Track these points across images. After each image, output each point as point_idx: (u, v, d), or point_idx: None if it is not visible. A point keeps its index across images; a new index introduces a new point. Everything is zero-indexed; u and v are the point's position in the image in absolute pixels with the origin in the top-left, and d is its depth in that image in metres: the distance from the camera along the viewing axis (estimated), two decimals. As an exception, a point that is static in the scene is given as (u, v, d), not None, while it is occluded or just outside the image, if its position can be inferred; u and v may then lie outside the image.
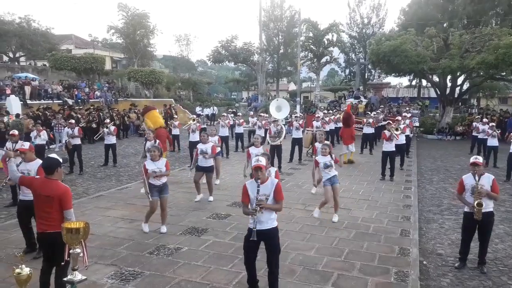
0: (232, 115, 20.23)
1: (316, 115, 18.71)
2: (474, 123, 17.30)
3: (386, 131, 12.13)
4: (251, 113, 22.74)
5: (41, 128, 13.21)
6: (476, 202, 5.72)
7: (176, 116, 21.31)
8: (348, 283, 5.40)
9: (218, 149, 10.53)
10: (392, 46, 22.32)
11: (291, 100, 34.82)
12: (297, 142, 14.65)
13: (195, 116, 15.29)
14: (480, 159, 5.91)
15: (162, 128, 11.40)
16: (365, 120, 17.16)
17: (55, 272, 4.57)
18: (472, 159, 5.94)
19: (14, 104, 19.21)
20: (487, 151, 14.89)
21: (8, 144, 9.44)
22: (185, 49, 49.01)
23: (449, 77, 25.56)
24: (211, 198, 9.41)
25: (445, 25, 29.11)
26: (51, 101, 23.79)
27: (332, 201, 8.13)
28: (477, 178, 5.80)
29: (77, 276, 3.66)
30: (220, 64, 44.30)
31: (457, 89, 26.41)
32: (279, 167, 12.88)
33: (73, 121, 13.61)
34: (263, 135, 14.96)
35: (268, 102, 21.19)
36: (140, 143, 11.64)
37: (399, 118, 14.90)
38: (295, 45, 38.09)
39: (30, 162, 6.19)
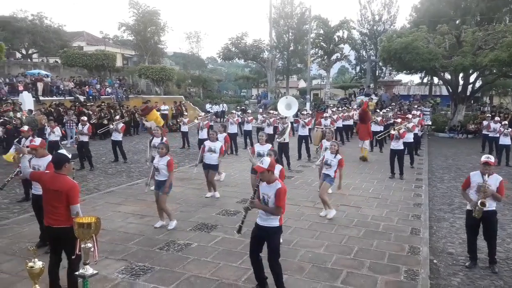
0: (240, 112, 20.25)
1: (325, 114, 18.64)
2: (484, 122, 17.10)
3: (392, 131, 12.08)
4: (261, 110, 22.76)
5: (54, 124, 13.36)
6: (480, 202, 5.70)
7: (186, 113, 21.36)
8: (357, 281, 5.39)
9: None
10: (403, 43, 22.10)
11: (300, 98, 34.75)
12: (303, 139, 14.62)
13: (201, 115, 15.32)
14: (492, 159, 5.85)
15: (162, 128, 11.44)
16: (373, 118, 17.07)
17: (67, 266, 4.63)
18: (483, 158, 5.88)
19: (27, 101, 19.46)
20: (499, 150, 14.73)
21: (23, 140, 9.60)
22: (195, 46, 49.23)
23: (461, 74, 25.24)
24: (217, 195, 9.44)
25: (457, 22, 28.75)
26: (63, 98, 24.03)
27: (328, 196, 8.26)
28: (485, 177, 5.75)
29: (89, 270, 3.71)
30: (230, 61, 44.36)
31: (469, 86, 26.07)
32: (288, 165, 12.87)
33: (85, 118, 13.73)
34: (272, 133, 14.96)
35: (278, 100, 21.14)
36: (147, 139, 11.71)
37: (410, 116, 14.79)
38: (305, 42, 37.93)
39: (42, 158, 6.26)
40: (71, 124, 18.08)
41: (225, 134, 11.35)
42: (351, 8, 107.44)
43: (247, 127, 17.40)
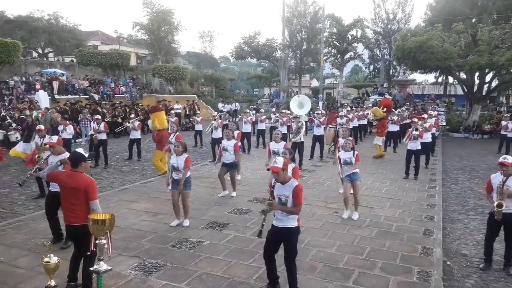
0: (254, 111, 20.26)
1: (340, 113, 18.55)
2: (503, 122, 16.82)
3: (414, 132, 11.86)
4: (273, 109, 22.74)
5: (67, 122, 13.56)
6: (496, 203, 5.62)
7: (199, 112, 21.48)
8: (369, 281, 5.36)
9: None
10: (418, 42, 21.85)
11: (313, 97, 34.61)
12: (318, 139, 14.57)
13: (217, 115, 15.35)
14: (509, 159, 5.76)
15: (165, 130, 11.49)
16: (389, 117, 16.94)
17: (83, 262, 4.71)
18: (500, 159, 5.81)
19: (43, 99, 19.80)
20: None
21: (37, 139, 9.73)
22: (208, 46, 49.40)
23: (477, 74, 24.84)
24: (233, 194, 9.48)
25: (473, 20, 28.29)
26: (78, 96, 24.37)
27: (351, 198, 8.09)
28: (502, 178, 5.67)
29: (103, 266, 3.77)
30: (242, 61, 44.37)
31: (485, 86, 25.64)
32: (300, 164, 12.84)
33: (99, 116, 13.91)
34: (285, 132, 14.94)
35: (290, 99, 21.11)
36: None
37: (425, 116, 14.63)
38: (318, 41, 37.77)
39: (59, 155, 6.37)
40: (86, 122, 18.32)
41: (238, 132, 11.41)
42: (365, 7, 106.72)
43: (261, 126, 17.41)
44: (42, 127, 10.31)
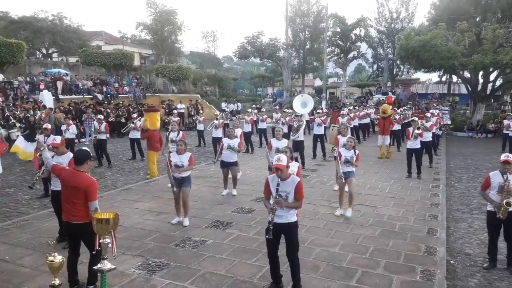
0: (256, 111, 20.26)
1: (342, 112, 18.53)
2: (505, 121, 16.75)
3: (410, 129, 11.89)
4: (276, 108, 22.73)
5: (70, 122, 13.61)
6: (505, 201, 5.58)
7: (201, 112, 21.50)
8: (372, 281, 5.36)
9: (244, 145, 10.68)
10: (421, 41, 21.79)
11: (316, 96, 34.58)
12: (318, 138, 14.56)
13: (219, 114, 15.42)
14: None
15: (155, 131, 11.45)
16: (395, 116, 16.93)
17: (89, 260, 4.73)
18: (503, 157, 5.78)
19: (47, 99, 19.88)
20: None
21: (40, 137, 9.78)
22: (211, 45, 49.50)
23: (481, 73, 24.75)
24: (234, 192, 9.49)
25: (477, 19, 28.16)
26: (82, 96, 24.45)
27: (346, 196, 8.16)
28: (506, 176, 5.65)
29: (107, 265, 3.79)
30: (246, 60, 44.37)
31: (489, 85, 25.54)
32: (302, 164, 12.84)
33: (101, 116, 13.95)
34: (287, 131, 14.94)
35: (293, 98, 21.10)
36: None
37: (428, 114, 14.59)
38: (321, 40, 37.72)
39: (62, 155, 6.40)
40: (90, 122, 18.39)
41: (240, 130, 11.43)
42: (368, 6, 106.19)
43: (262, 125, 17.41)
44: (49, 126, 10.36)
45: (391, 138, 17.08)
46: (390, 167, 13.32)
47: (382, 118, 15.55)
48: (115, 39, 48.02)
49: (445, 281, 5.43)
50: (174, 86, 33.27)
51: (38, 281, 5.19)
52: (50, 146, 6.63)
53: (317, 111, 16.12)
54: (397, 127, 16.64)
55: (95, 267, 3.94)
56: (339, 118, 17.07)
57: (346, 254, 6.19)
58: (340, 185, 8.32)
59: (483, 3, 29.46)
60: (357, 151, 8.08)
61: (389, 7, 38.27)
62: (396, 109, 19.15)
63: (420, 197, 9.69)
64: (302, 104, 15.09)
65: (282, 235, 4.92)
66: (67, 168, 5.26)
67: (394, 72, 39.07)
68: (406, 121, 17.58)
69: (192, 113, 26.19)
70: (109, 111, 20.50)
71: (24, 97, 20.93)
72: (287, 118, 16.22)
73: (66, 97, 23.52)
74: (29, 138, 11.60)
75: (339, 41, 35.11)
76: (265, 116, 17.53)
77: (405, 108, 21.48)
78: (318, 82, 55.97)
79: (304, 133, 13.46)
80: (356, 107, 21.33)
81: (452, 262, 6.16)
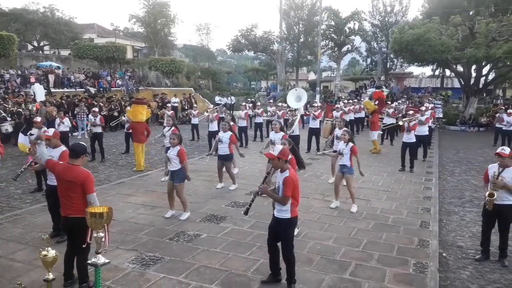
0: (251, 104, 20.22)
1: (336, 106, 18.56)
2: (498, 114, 16.87)
3: (400, 122, 11.99)
4: (270, 102, 22.71)
5: (63, 115, 13.49)
6: (488, 193, 5.69)
7: (195, 105, 21.42)
8: (366, 273, 5.40)
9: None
10: (415, 35, 21.82)
11: (310, 90, 34.57)
12: (313, 132, 14.58)
13: (211, 108, 15.43)
14: (506, 150, 5.79)
15: (138, 123, 11.52)
16: (385, 110, 16.97)
17: (76, 255, 4.71)
18: (498, 150, 5.85)
19: (38, 92, 19.66)
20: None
21: (34, 131, 9.68)
22: (205, 38, 49.26)
23: (474, 67, 24.88)
24: (232, 187, 9.48)
25: (471, 13, 28.24)
26: (74, 90, 24.23)
27: (339, 189, 8.21)
28: (497, 169, 5.73)
29: (101, 259, 3.78)
30: (239, 53, 44.20)
31: (482, 79, 25.69)
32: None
33: (96, 109, 13.86)
34: (282, 125, 14.93)
35: (287, 92, 21.06)
36: (160, 131, 11.87)
37: (423, 108, 14.66)
38: (315, 33, 37.65)
39: (55, 148, 6.34)
40: (82, 116, 18.26)
41: (232, 123, 11.44)
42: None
43: (258, 119, 17.39)
44: (39, 119, 10.26)
45: (385, 132, 17.17)
46: (383, 161, 13.39)
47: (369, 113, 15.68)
48: (107, 31, 47.59)
49: (438, 274, 5.49)
50: (167, 80, 33.09)
51: (32, 275, 5.16)
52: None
53: (312, 105, 16.13)
54: (391, 120, 16.70)
55: (89, 261, 3.93)
56: (333, 112, 17.11)
57: (340, 247, 6.22)
58: (336, 177, 8.32)
59: (477, -3, 29.54)
60: (351, 144, 8.08)
61: (383, 1, 38.33)
62: (389, 103, 19.21)
63: (413, 190, 9.76)
64: (297, 98, 15.04)
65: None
66: (61, 162, 5.22)
67: (388, 66, 39.17)
68: (400, 115, 17.66)
69: (186, 107, 26.09)
70: (102, 104, 20.33)
71: (15, 90, 20.69)
72: (281, 112, 16.21)
73: (58, 90, 23.28)
74: (25, 132, 11.51)
75: (333, 35, 35.10)
76: (260, 110, 17.51)
77: (399, 102, 21.56)
78: (312, 76, 55.95)
79: (299, 127, 13.45)
80: (350, 101, 21.37)
81: (444, 254, 6.23)
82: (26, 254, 5.82)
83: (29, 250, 5.94)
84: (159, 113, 21.14)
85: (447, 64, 25.25)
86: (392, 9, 38.28)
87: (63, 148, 6.23)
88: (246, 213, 5.27)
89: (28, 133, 10.11)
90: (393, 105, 18.73)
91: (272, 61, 42.38)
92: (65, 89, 23.95)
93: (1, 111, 16.12)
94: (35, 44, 40.09)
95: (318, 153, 14.12)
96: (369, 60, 43.01)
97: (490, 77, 26.32)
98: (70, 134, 15.77)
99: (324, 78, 50.33)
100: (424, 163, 13.07)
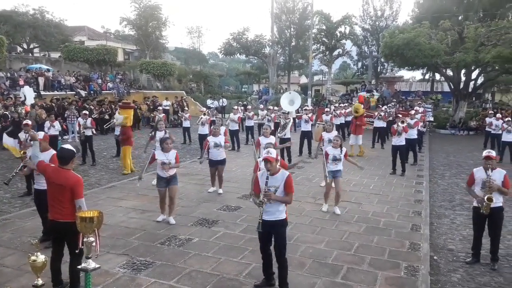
0: (243, 107, 20.22)
1: (326, 109, 18.63)
2: (487, 119, 17.08)
3: (394, 126, 12.02)
4: (261, 106, 22.74)
5: (54, 118, 13.36)
6: (486, 197, 5.70)
7: (187, 108, 21.37)
8: (357, 277, 5.41)
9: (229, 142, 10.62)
10: (405, 39, 22.02)
11: (301, 94, 34.66)
12: (305, 135, 14.62)
13: (206, 110, 15.38)
14: (493, 153, 5.86)
15: (125, 127, 11.62)
16: (376, 113, 17.08)
17: (69, 260, 4.65)
18: (485, 153, 5.91)
19: (28, 95, 19.44)
20: (501, 147, 14.71)
21: (22, 135, 9.55)
22: (196, 41, 49.06)
23: (463, 71, 25.17)
24: (220, 191, 9.45)
25: (460, 18, 28.60)
26: (64, 92, 24.02)
27: (332, 192, 8.22)
28: (489, 172, 5.76)
29: (91, 264, 3.73)
30: (231, 57, 44.16)
31: (471, 83, 26.00)
32: (289, 161, 12.89)
33: (87, 112, 13.75)
34: (273, 128, 14.96)
35: (279, 95, 21.11)
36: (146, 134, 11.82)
37: (413, 112, 14.77)
38: (307, 37, 37.77)
39: (44, 152, 6.26)
40: (73, 119, 18.09)
41: (224, 127, 11.39)
42: (353, 3, 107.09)
43: (249, 123, 17.40)
44: (29, 122, 10.14)
45: (376, 135, 17.28)
46: (374, 164, 13.46)
47: (354, 117, 15.60)
48: (98, 34, 47.31)
49: (429, 277, 5.52)
50: (158, 83, 32.96)
51: (21, 281, 5.09)
52: (31, 141, 6.50)
53: (304, 108, 16.18)
54: (381, 124, 16.82)
55: (79, 267, 3.88)
56: (323, 115, 17.18)
57: (332, 250, 6.23)
58: (329, 182, 8.34)
59: (465, 2, 29.91)
60: (344, 149, 8.14)
61: (374, 5, 38.61)
62: (380, 106, 19.34)
63: (404, 193, 9.82)
64: (290, 102, 15.09)
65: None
66: (52, 165, 5.16)
67: (379, 70, 39.43)
68: (390, 118, 17.78)
69: (178, 110, 26.01)
70: (93, 107, 20.19)
71: (4, 93, 20.46)
72: (273, 115, 16.22)
73: (48, 93, 23.06)
74: (13, 135, 11.35)
75: (324, 39, 35.22)
76: (251, 113, 17.51)
77: (390, 105, 21.71)
78: (303, 79, 56.11)
79: (291, 131, 13.48)
80: (342, 105, 21.47)
81: (435, 257, 6.26)
82: (15, 259, 5.74)
83: (18, 255, 5.86)
84: (151, 115, 20.97)
85: (437, 68, 25.51)
86: (382, 14, 38.60)
87: (52, 151, 6.15)
88: (259, 227, 4.87)
89: (18, 136, 9.98)
90: (383, 108, 18.85)
91: (263, 65, 42.44)
92: (56, 92, 23.73)
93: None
94: (25, 46, 39.67)
95: (311, 156, 14.16)
96: (360, 64, 43.26)
97: (479, 81, 26.64)
98: (60, 138, 15.62)
99: (316, 81, 50.52)
100: (415, 167, 13.16)
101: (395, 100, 26.30)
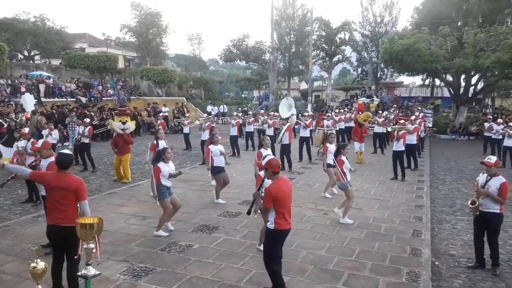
0: (242, 113, 20.24)
1: (327, 114, 18.66)
2: (486, 123, 17.08)
3: (389, 128, 12.07)
4: (262, 111, 22.78)
5: (52, 127, 13.36)
6: (470, 200, 5.88)
7: (187, 115, 21.38)
8: (359, 283, 5.38)
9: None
10: (405, 45, 22.10)
11: (302, 99, 34.74)
12: (304, 140, 14.63)
13: (205, 116, 15.44)
14: (492, 159, 5.86)
15: (119, 136, 11.43)
16: (376, 119, 17.09)
17: (66, 266, 4.63)
18: (485, 159, 5.93)
19: (29, 102, 19.48)
20: (502, 152, 14.70)
21: (21, 143, 9.53)
22: (197, 48, 49.28)
23: (463, 76, 25.22)
24: (220, 201, 9.33)
25: (459, 23, 28.71)
26: (65, 99, 24.08)
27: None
28: (484, 178, 5.85)
29: (91, 271, 3.72)
30: (231, 63, 44.31)
31: (471, 88, 26.04)
32: (289, 167, 12.89)
33: (87, 120, 13.77)
34: (273, 134, 14.95)
35: (279, 101, 21.12)
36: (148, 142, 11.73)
37: (412, 118, 14.78)
38: (307, 43, 37.89)
39: (47, 159, 6.24)
40: (73, 126, 18.12)
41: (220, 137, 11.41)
42: (352, 10, 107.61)
43: (249, 128, 17.41)
44: (26, 130, 10.14)
45: (376, 141, 17.27)
46: (375, 169, 13.45)
47: (358, 125, 15.46)
48: (99, 41, 47.49)
49: (430, 282, 5.49)
50: (159, 89, 33.03)
51: (20, 288, 5.07)
52: (31, 150, 6.49)
53: (303, 114, 16.20)
54: (381, 130, 16.82)
55: (79, 273, 3.87)
56: (324, 120, 17.19)
57: (333, 256, 6.21)
58: (352, 193, 8.10)
59: (465, 8, 30.05)
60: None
61: (373, 11, 38.75)
62: (380, 112, 19.36)
63: (405, 199, 9.80)
64: (289, 107, 15.10)
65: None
66: (49, 172, 5.15)
67: (378, 76, 39.51)
68: (390, 124, 17.79)
69: (178, 116, 26.04)
70: (93, 114, 20.24)
71: (5, 100, 20.50)
72: (272, 121, 16.23)
73: (49, 100, 23.12)
74: (7, 143, 11.36)
75: (324, 45, 35.35)
76: (252, 119, 17.53)
77: (390, 111, 21.75)
78: (303, 85, 56.21)
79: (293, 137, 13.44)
80: (342, 110, 21.50)
81: (437, 263, 6.24)
82: (15, 266, 5.72)
83: (18, 262, 5.84)
84: (152, 121, 20.96)
85: (437, 74, 25.57)
86: (382, 20, 38.74)
87: (52, 159, 6.11)
88: (249, 213, 5.50)
89: (14, 144, 9.97)
90: (384, 114, 18.87)
91: (264, 71, 42.56)
92: (56, 99, 23.78)
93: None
94: (26, 53, 39.84)
95: (311, 162, 14.11)
96: (359, 70, 43.35)
97: (479, 86, 26.68)
98: (61, 144, 15.66)
99: (316, 87, 50.60)
100: (416, 172, 13.14)
101: (395, 105, 26.35)
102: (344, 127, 18.76)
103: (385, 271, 5.74)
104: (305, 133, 14.61)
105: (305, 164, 14.24)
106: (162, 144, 9.49)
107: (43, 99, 22.85)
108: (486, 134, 16.91)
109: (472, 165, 14.79)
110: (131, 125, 11.69)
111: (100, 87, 28.40)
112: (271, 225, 4.82)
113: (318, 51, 36.10)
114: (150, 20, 37.41)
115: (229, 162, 9.79)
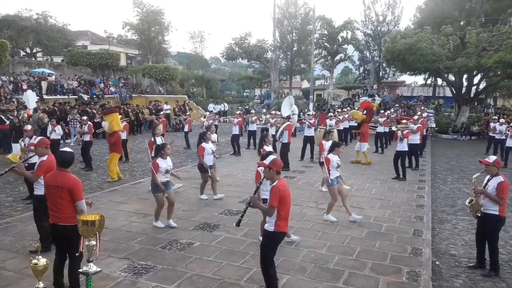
0: (244, 111, 20.26)
1: (330, 114, 18.64)
2: (491, 124, 17.05)
3: (394, 128, 12.03)
4: (264, 110, 22.81)
5: (55, 123, 13.39)
6: (468, 200, 5.92)
7: (188, 113, 21.39)
8: (359, 282, 5.39)
9: None
10: (407, 44, 22.07)
11: (303, 98, 34.75)
12: (308, 140, 14.63)
13: (207, 114, 15.45)
14: (490, 158, 5.85)
15: (118, 132, 11.40)
16: (378, 118, 17.07)
17: (68, 264, 4.64)
18: (485, 158, 5.92)
19: (31, 99, 19.52)
20: (504, 152, 14.68)
21: (27, 139, 9.57)
22: (199, 46, 49.26)
23: (465, 76, 25.17)
24: (204, 197, 9.37)
25: (462, 23, 28.64)
26: (67, 97, 24.12)
27: (340, 199, 8.05)
28: (478, 175, 5.91)
29: (92, 267, 3.74)
30: (233, 61, 44.36)
31: (473, 88, 26.00)
32: (287, 166, 12.86)
33: (85, 117, 13.77)
34: (274, 133, 14.97)
35: (281, 100, 21.16)
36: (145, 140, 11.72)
37: (416, 117, 14.75)
38: (309, 42, 37.94)
39: (42, 157, 6.11)
40: (75, 123, 18.16)
41: (215, 135, 11.49)
42: (355, 9, 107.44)
43: (252, 127, 17.42)
44: (29, 127, 10.16)
45: (377, 140, 17.24)
46: (376, 169, 13.44)
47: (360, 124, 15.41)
48: (101, 38, 47.54)
49: (431, 282, 5.49)
50: (161, 87, 33.08)
51: (22, 284, 5.09)
52: (30, 146, 6.48)
53: (308, 113, 16.21)
54: (383, 129, 16.81)
55: (80, 270, 3.88)
56: (327, 120, 17.18)
57: (333, 255, 6.21)
58: (335, 191, 7.95)
59: (467, 7, 29.98)
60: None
61: (376, 10, 38.74)
62: (382, 111, 19.34)
63: (406, 198, 9.80)
64: (290, 106, 15.12)
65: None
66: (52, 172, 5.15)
67: (380, 75, 39.50)
68: (392, 123, 17.77)
69: (179, 114, 26.05)
70: (95, 111, 20.26)
71: (8, 97, 20.54)
72: (273, 120, 16.25)
73: (51, 97, 23.17)
74: (15, 139, 11.40)
75: (326, 44, 35.39)
76: (254, 118, 17.54)
77: (392, 111, 21.73)
78: (305, 84, 56.27)
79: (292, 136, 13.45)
80: (345, 110, 21.48)
81: (437, 263, 6.24)
82: (16, 262, 5.73)
83: (19, 258, 5.86)
84: (153, 119, 20.98)
85: (439, 73, 25.53)
86: (384, 19, 38.71)
87: (43, 158, 5.92)
88: (238, 224, 5.14)
89: (20, 141, 10.05)
90: (386, 113, 18.85)
91: (265, 69, 42.59)
92: (58, 96, 23.84)
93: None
94: (28, 50, 39.93)
95: (313, 161, 14.12)
96: (361, 69, 43.35)
97: (481, 86, 26.63)
98: (63, 141, 15.68)
99: (318, 86, 50.63)
100: (417, 171, 13.13)
101: (397, 105, 26.31)
102: (348, 126, 18.74)
103: (386, 271, 5.74)
104: (310, 132, 14.60)
105: (306, 163, 14.24)
106: (158, 141, 9.59)
107: (45, 96, 22.91)
108: (490, 134, 16.88)
109: (474, 165, 14.76)
110: (105, 124, 11.65)
111: (102, 85, 28.44)
112: (271, 227, 4.67)
113: (320, 50, 36.15)
114: (152, 18, 37.44)
115: (218, 156, 9.97)
